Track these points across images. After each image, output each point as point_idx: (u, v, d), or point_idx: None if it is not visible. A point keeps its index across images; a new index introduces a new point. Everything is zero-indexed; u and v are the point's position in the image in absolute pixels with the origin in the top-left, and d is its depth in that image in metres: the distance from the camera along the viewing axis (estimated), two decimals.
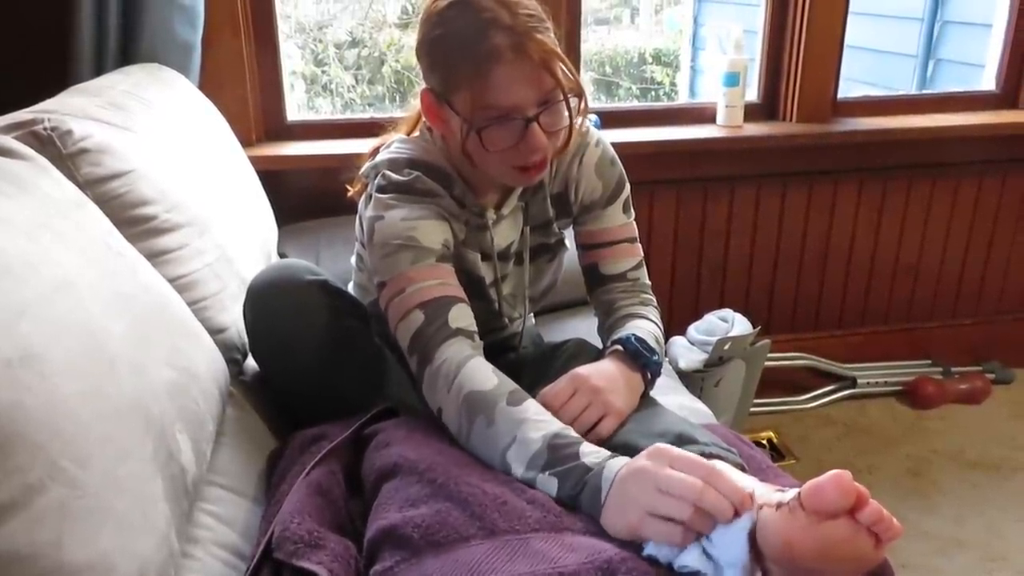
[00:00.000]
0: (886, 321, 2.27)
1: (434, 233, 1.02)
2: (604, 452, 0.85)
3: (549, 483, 0.84)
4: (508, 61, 0.93)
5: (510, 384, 0.93)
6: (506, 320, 1.20)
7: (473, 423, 0.91)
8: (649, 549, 0.76)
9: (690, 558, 0.74)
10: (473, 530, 0.77)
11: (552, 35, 0.97)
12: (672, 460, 0.77)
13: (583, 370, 1.01)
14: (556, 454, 0.85)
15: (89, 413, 0.68)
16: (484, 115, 0.96)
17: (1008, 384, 2.25)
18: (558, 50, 0.96)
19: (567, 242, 1.23)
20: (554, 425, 0.88)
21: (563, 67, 0.96)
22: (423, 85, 1.04)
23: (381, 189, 1.05)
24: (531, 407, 0.91)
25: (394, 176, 1.05)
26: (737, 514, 0.73)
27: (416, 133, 1.14)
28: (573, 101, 0.99)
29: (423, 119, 1.13)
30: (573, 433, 0.88)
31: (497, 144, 0.98)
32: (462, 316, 0.99)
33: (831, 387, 2.20)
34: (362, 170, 1.13)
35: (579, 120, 1.02)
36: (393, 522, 0.79)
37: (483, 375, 0.93)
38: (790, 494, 0.72)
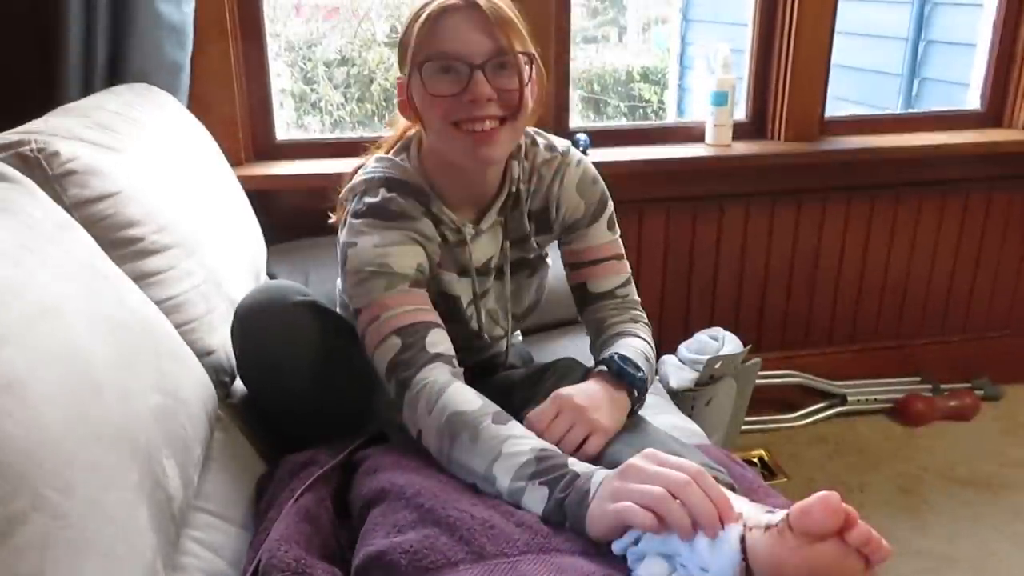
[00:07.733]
0: (875, 338, 2.27)
1: (407, 258, 1.02)
2: (592, 466, 0.86)
3: (538, 492, 0.84)
4: (459, 9, 0.96)
5: (493, 406, 0.94)
6: (486, 337, 1.19)
7: (456, 440, 0.90)
8: (637, 572, 0.75)
9: None
10: (461, 554, 0.77)
11: (513, 10, 0.99)
12: (662, 462, 0.79)
13: (566, 390, 1.00)
14: (544, 464, 0.85)
15: (73, 440, 0.67)
16: (432, 65, 0.98)
17: (997, 400, 2.26)
18: (513, 15, 0.98)
19: (549, 260, 1.23)
20: (540, 441, 0.89)
21: (516, 32, 0.98)
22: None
23: (356, 214, 1.05)
24: (516, 427, 0.91)
25: (368, 199, 1.05)
26: (722, 523, 0.73)
27: (395, 151, 1.13)
28: (526, 68, 0.99)
29: (405, 136, 1.13)
30: (559, 450, 0.89)
31: (439, 88, 0.98)
32: (440, 341, 0.99)
33: (821, 404, 2.20)
34: (341, 195, 1.13)
35: (530, 85, 1.01)
36: (380, 548, 0.78)
37: (466, 397, 0.93)
38: (778, 516, 0.71)
